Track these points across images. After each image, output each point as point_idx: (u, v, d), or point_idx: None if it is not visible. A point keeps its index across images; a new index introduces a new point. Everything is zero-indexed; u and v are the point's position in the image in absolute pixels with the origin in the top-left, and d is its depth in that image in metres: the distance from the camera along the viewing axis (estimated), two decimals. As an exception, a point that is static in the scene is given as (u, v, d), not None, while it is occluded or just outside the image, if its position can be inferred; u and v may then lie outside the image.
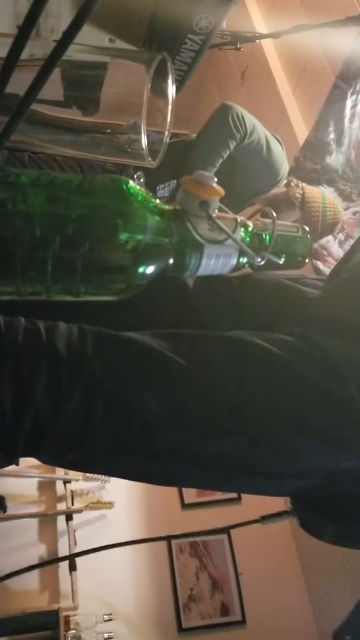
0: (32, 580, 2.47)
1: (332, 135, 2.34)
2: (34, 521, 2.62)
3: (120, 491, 2.75)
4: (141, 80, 0.63)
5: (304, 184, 1.93)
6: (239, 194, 1.83)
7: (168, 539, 0.86)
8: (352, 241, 2.29)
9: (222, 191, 0.56)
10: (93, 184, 0.53)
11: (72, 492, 2.68)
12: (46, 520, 2.63)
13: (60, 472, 2.73)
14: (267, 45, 2.69)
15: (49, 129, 0.69)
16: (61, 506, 2.67)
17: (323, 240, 2.32)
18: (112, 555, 2.54)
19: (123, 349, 0.56)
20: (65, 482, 2.69)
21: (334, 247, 2.38)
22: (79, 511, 2.60)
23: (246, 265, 0.59)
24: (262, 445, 0.57)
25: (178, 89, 0.68)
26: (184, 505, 2.79)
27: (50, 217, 0.50)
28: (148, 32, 0.76)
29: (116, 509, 2.64)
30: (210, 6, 0.74)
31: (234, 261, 0.57)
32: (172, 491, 2.83)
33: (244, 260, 0.58)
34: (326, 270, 2.37)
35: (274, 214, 0.60)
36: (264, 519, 0.77)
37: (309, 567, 2.71)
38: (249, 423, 0.56)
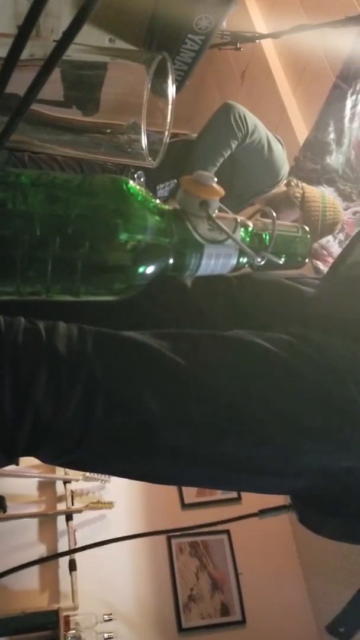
0: (32, 580, 2.47)
1: (332, 135, 2.34)
2: (34, 521, 2.62)
3: (120, 491, 2.75)
4: (141, 80, 0.63)
5: (304, 184, 1.93)
6: (240, 193, 1.83)
7: (167, 532, 0.86)
8: (352, 241, 2.29)
9: (222, 191, 0.56)
10: (93, 184, 0.53)
11: (72, 492, 2.68)
12: (46, 520, 2.63)
13: (60, 472, 2.73)
14: (267, 45, 2.69)
15: (49, 129, 0.69)
16: (61, 506, 2.67)
17: (323, 240, 2.32)
18: (112, 556, 2.55)
19: (123, 348, 0.56)
20: (65, 482, 2.69)
21: (334, 247, 2.38)
22: (79, 511, 2.60)
23: (246, 265, 0.59)
24: (261, 445, 0.57)
25: (178, 89, 0.68)
26: (184, 505, 2.79)
27: (50, 217, 0.50)
28: (148, 32, 0.76)
29: (116, 509, 2.64)
30: (210, 6, 0.74)
31: (234, 261, 0.57)
32: (172, 491, 2.83)
33: (244, 260, 0.58)
34: (326, 270, 2.37)
35: (274, 214, 0.60)
36: (263, 512, 0.77)
37: (308, 566, 2.71)
38: (248, 423, 0.56)
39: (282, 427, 0.57)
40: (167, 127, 0.66)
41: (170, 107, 0.66)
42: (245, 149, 1.69)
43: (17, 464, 0.62)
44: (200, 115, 3.15)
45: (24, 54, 0.35)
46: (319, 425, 0.57)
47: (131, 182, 0.54)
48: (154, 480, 0.61)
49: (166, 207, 0.57)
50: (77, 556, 2.45)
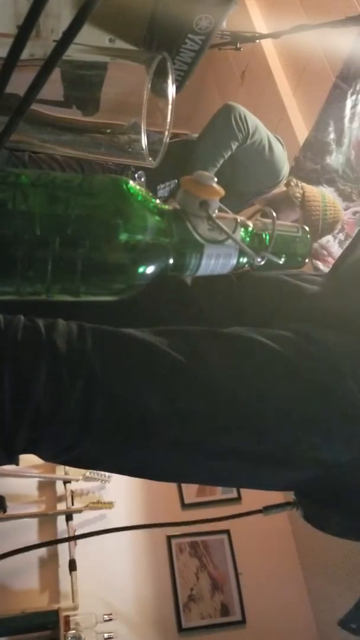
0: (32, 580, 2.47)
1: (332, 135, 2.34)
2: (34, 521, 2.62)
3: (120, 491, 2.75)
4: (141, 80, 0.63)
5: (304, 184, 1.93)
6: (240, 194, 1.83)
7: (169, 525, 0.86)
8: (352, 241, 2.28)
9: (222, 191, 0.56)
10: (93, 184, 0.53)
11: (72, 492, 2.68)
12: (46, 520, 2.63)
13: (60, 472, 2.73)
14: (267, 45, 2.69)
15: (49, 129, 0.69)
16: (61, 506, 2.67)
17: (323, 240, 2.32)
18: (112, 556, 2.55)
19: (122, 346, 0.56)
20: (65, 482, 2.69)
21: (334, 247, 2.37)
22: (79, 511, 2.60)
23: (246, 265, 0.59)
24: (261, 440, 0.57)
25: (178, 89, 0.68)
26: (184, 505, 2.79)
27: (50, 217, 0.50)
28: (148, 32, 0.76)
29: (116, 509, 2.64)
30: (210, 6, 0.74)
31: (234, 261, 0.57)
32: (172, 491, 2.83)
33: (244, 260, 0.58)
34: (326, 270, 2.37)
35: (274, 214, 0.60)
36: (267, 509, 0.77)
37: (309, 567, 2.71)
38: (247, 418, 0.56)
39: (281, 422, 0.57)
40: (167, 127, 0.66)
41: (170, 107, 0.66)
42: (246, 150, 1.69)
43: (17, 464, 0.62)
44: (200, 115, 3.15)
45: (24, 54, 0.35)
46: (318, 420, 0.58)
47: (131, 182, 0.54)
48: (154, 477, 0.61)
49: (166, 207, 0.57)
50: (77, 556, 2.45)
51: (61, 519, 2.62)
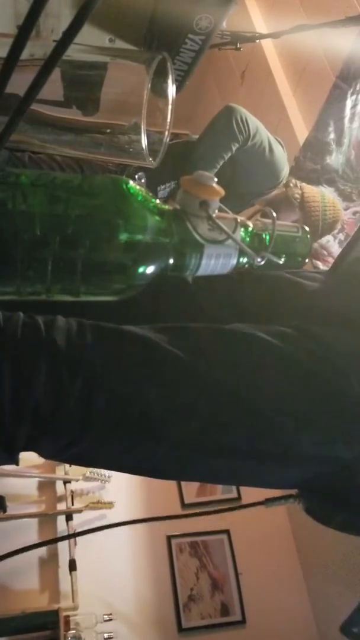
0: (32, 580, 2.47)
1: (332, 135, 2.34)
2: (34, 521, 2.62)
3: (120, 491, 2.75)
4: (141, 80, 0.63)
5: (303, 184, 1.94)
6: (240, 195, 1.83)
7: (170, 518, 0.85)
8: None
9: (222, 191, 0.56)
10: (93, 184, 0.53)
11: (72, 492, 2.68)
12: (46, 520, 2.63)
13: (60, 472, 2.73)
14: (267, 45, 2.69)
15: (49, 129, 0.69)
16: (61, 506, 2.67)
17: (323, 240, 2.32)
18: (112, 556, 2.55)
19: (122, 342, 0.56)
20: (65, 482, 2.69)
21: (334, 247, 2.37)
22: (79, 511, 2.60)
23: (246, 265, 0.59)
24: (261, 437, 0.57)
25: (178, 89, 0.68)
26: (184, 505, 2.79)
27: (50, 217, 0.50)
28: (148, 32, 0.76)
29: (116, 509, 2.64)
30: (210, 6, 0.74)
31: (234, 261, 0.57)
32: (172, 491, 2.83)
33: (244, 260, 0.58)
34: (326, 269, 2.36)
35: (274, 214, 0.60)
36: (269, 501, 0.77)
37: (309, 567, 2.71)
38: (248, 414, 0.56)
39: (282, 418, 0.57)
40: (167, 127, 0.66)
41: (170, 107, 0.65)
42: (246, 152, 1.70)
43: (17, 464, 0.62)
44: (200, 115, 3.15)
45: (24, 54, 0.35)
46: (319, 416, 0.58)
47: (131, 182, 0.54)
48: (155, 475, 0.61)
49: (166, 207, 0.57)
50: (77, 556, 2.45)
51: (61, 519, 2.62)
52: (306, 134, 2.45)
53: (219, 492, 2.84)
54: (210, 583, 2.66)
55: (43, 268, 0.50)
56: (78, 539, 2.52)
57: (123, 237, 0.52)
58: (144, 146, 0.64)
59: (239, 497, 2.80)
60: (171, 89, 0.65)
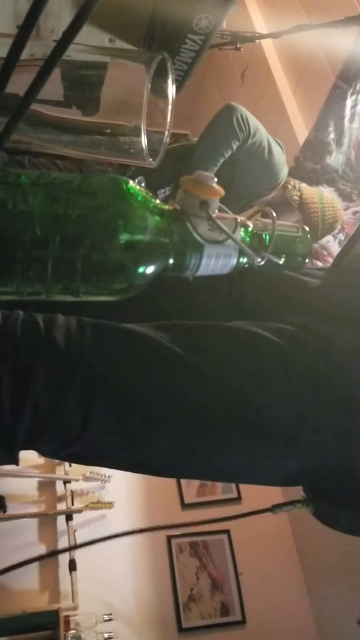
0: (32, 580, 2.47)
1: (332, 135, 2.34)
2: (34, 521, 2.62)
3: (120, 491, 2.75)
4: (141, 80, 0.63)
5: (302, 185, 1.93)
6: (239, 195, 1.83)
7: (169, 527, 0.85)
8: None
9: (222, 191, 0.56)
10: (93, 184, 0.53)
11: (72, 492, 2.68)
12: (46, 520, 2.63)
13: (60, 472, 2.73)
14: (267, 45, 2.69)
15: (49, 129, 0.69)
16: (61, 506, 2.67)
17: (323, 240, 2.32)
18: (112, 556, 2.55)
19: (122, 340, 0.56)
20: (65, 482, 2.69)
21: (334, 247, 2.37)
22: (79, 511, 2.61)
23: (246, 266, 0.59)
24: (262, 434, 0.57)
25: (178, 89, 0.68)
26: (184, 505, 2.79)
27: (50, 217, 0.50)
28: (148, 32, 0.76)
29: (116, 509, 2.64)
30: (210, 6, 0.74)
31: (234, 261, 0.57)
32: (172, 491, 2.83)
33: (244, 260, 0.58)
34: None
35: (274, 214, 0.60)
36: (277, 507, 0.75)
37: (309, 567, 2.71)
38: (249, 411, 0.56)
39: (283, 415, 0.57)
40: (167, 127, 0.66)
41: (170, 107, 0.66)
42: (246, 152, 1.70)
43: (17, 464, 0.62)
44: (200, 115, 3.15)
45: (24, 54, 0.35)
46: (320, 413, 0.58)
47: (131, 182, 0.54)
48: (154, 472, 0.61)
49: (166, 207, 0.57)
50: (77, 556, 2.45)
51: (61, 519, 2.62)
52: (306, 134, 2.45)
53: (219, 491, 2.84)
54: (210, 583, 2.66)
55: (43, 268, 0.50)
56: (78, 538, 2.52)
57: (123, 237, 0.52)
58: (144, 146, 0.64)
59: (239, 497, 2.80)
60: (171, 89, 0.65)
